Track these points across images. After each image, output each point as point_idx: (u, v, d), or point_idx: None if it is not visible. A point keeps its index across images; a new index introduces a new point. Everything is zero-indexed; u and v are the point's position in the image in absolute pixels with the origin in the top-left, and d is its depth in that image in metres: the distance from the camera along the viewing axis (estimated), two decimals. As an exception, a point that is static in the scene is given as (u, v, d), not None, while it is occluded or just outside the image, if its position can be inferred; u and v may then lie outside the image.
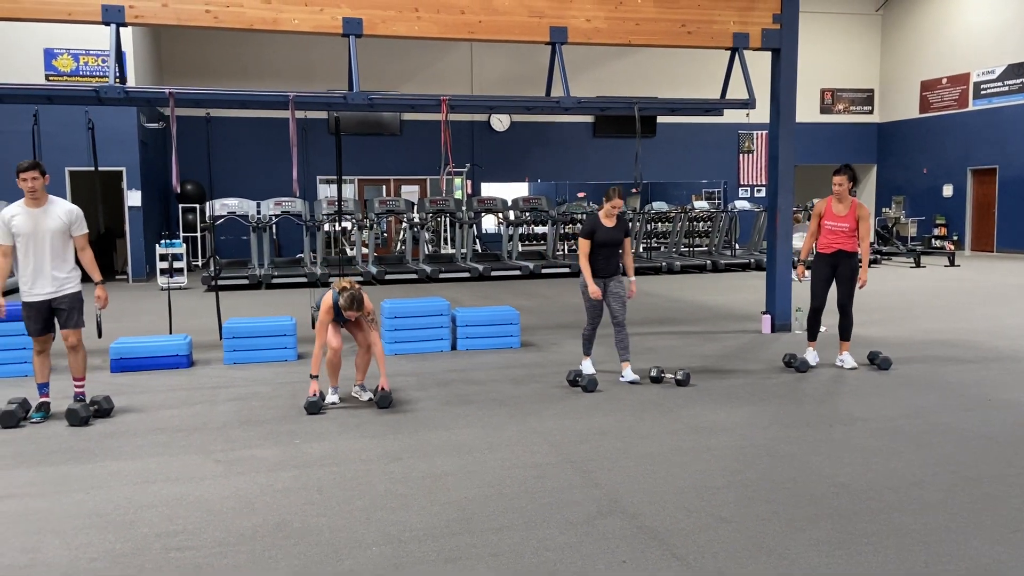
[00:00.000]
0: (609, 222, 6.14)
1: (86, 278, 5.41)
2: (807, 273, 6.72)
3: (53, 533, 3.47)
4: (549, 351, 7.55)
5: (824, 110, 21.73)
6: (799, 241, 14.90)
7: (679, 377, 6.10)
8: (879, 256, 17.17)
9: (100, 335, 6.83)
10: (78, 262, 5.36)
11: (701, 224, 18.41)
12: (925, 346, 7.57)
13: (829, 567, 3.08)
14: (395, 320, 7.54)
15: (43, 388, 5.38)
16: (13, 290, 12.55)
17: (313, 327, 6.35)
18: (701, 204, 18.39)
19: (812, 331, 6.82)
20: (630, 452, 4.50)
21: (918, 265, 15.76)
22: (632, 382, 6.13)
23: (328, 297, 5.48)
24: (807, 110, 21.04)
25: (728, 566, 3.10)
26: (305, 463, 4.34)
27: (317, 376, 5.52)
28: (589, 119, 19.67)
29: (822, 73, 21.20)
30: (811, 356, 6.70)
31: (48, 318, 5.24)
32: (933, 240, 19.14)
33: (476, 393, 5.94)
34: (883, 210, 20.80)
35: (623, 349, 6.23)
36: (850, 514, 3.59)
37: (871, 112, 22.13)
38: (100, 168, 8.09)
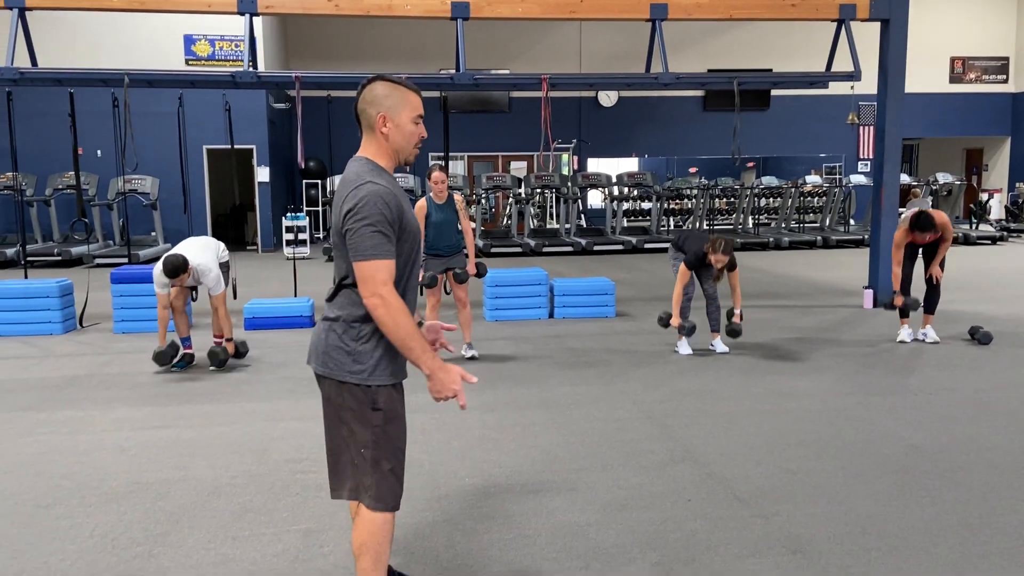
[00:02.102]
0: (718, 265, 6.07)
1: (230, 247, 6.08)
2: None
3: (200, 456, 4.11)
4: (643, 321, 7.82)
5: (954, 79, 20.60)
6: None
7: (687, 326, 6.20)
8: (1006, 233, 16.31)
9: (235, 296, 7.62)
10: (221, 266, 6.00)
11: (815, 200, 17.95)
12: (1035, 323, 7.36)
13: (884, 514, 3.29)
14: (496, 288, 7.99)
15: (186, 341, 6.14)
16: (154, 258, 13.79)
17: (421, 293, 6.89)
18: (814, 179, 17.92)
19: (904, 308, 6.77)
20: (708, 411, 4.77)
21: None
22: (723, 352, 6.33)
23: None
24: (935, 80, 20.03)
25: (786, 508, 3.36)
26: (410, 409, 4.83)
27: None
28: (699, 93, 19.47)
29: (951, 40, 20.09)
30: (905, 333, 6.68)
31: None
32: (1070, 217, 17.93)
33: (568, 356, 6.32)
34: (1017, 185, 19.60)
35: (713, 321, 6.42)
36: (915, 471, 3.76)
37: (1006, 81, 20.80)
38: (233, 146, 8.90)
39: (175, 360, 5.99)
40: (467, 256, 6.19)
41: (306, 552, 3.04)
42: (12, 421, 4.72)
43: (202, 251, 5.84)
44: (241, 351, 6.10)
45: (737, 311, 6.18)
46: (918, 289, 6.64)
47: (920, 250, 6.56)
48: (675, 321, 6.17)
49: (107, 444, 4.29)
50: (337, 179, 14.31)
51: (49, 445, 4.28)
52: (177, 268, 5.54)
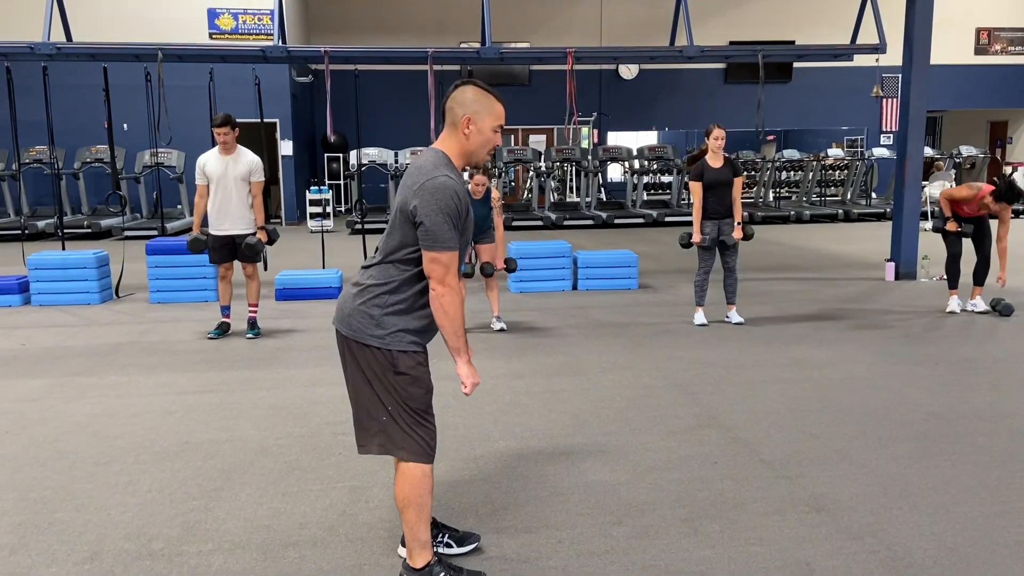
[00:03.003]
0: (716, 162, 6.23)
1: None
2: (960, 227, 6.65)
3: (245, 419, 4.29)
4: (665, 293, 7.93)
5: (979, 51, 20.31)
6: (937, 189, 14.35)
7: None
8: (1031, 207, 16.19)
9: (266, 268, 7.79)
10: None
11: (837, 173, 17.87)
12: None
13: (905, 476, 3.42)
14: (521, 261, 8.10)
15: (225, 310, 6.33)
16: (187, 229, 13.97)
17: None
18: (835, 152, 17.83)
19: (954, 279, 6.82)
20: (732, 379, 4.90)
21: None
22: (738, 324, 6.44)
23: None
24: (960, 51, 19.76)
25: (809, 470, 3.50)
26: (442, 376, 4.97)
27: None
28: (720, 65, 19.34)
29: (977, 11, 19.79)
30: (954, 303, 6.75)
31: (230, 250, 6.13)
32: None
33: (593, 326, 6.46)
34: (1041, 158, 19.40)
35: (731, 293, 6.52)
36: (936, 436, 3.88)
37: (1034, 52, 20.49)
38: (263, 120, 9.03)
39: (214, 329, 6.21)
40: (491, 240, 6.26)
41: (352, 507, 3.21)
42: (64, 385, 4.93)
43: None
44: (272, 237, 6.25)
45: (737, 222, 6.26)
46: (967, 262, 6.72)
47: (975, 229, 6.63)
48: (696, 237, 6.28)
49: (155, 407, 4.49)
50: (364, 151, 14.45)
51: (100, 408, 4.48)
52: (227, 118, 5.86)
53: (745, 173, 17.08)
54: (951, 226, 6.61)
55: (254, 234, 6.08)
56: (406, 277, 2.41)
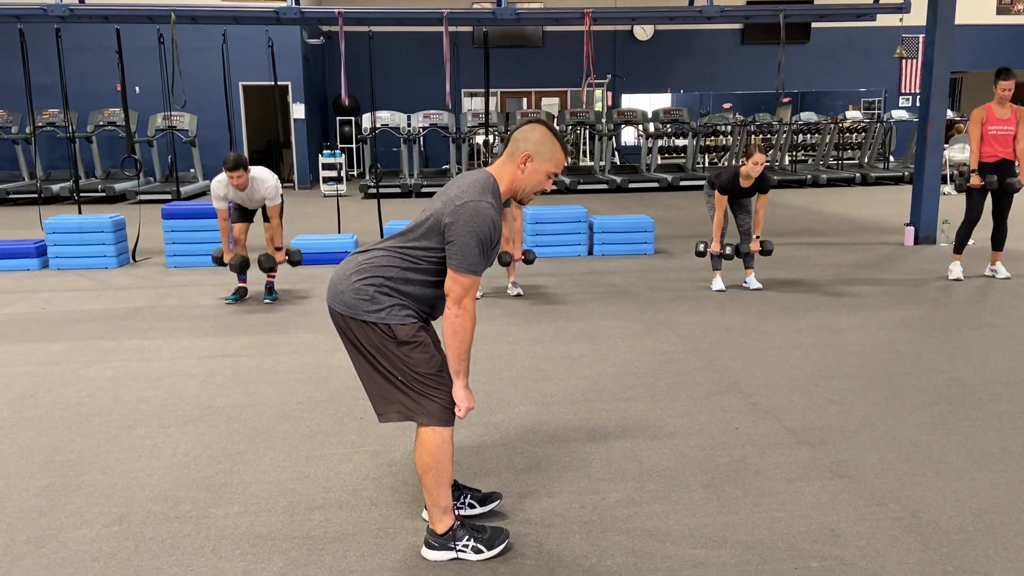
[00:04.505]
0: (747, 183, 6.06)
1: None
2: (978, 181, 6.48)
3: (266, 384, 4.32)
4: (681, 258, 7.88)
5: (1001, 10, 19.85)
6: (959, 153, 14.13)
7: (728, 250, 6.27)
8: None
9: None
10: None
11: (854, 136, 17.62)
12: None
13: (928, 442, 3.41)
14: (536, 225, 8.07)
15: (241, 276, 6.34)
16: (200, 193, 13.98)
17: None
18: (854, 114, 17.55)
19: (961, 244, 6.75)
20: (752, 345, 4.88)
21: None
22: (756, 289, 6.40)
23: None
24: (982, 10, 19.33)
25: (831, 436, 3.49)
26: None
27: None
28: (737, 26, 19.00)
29: (1002, -32, 19.31)
30: (957, 269, 6.69)
31: (250, 212, 6.12)
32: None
33: (610, 292, 6.43)
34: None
35: (748, 257, 6.47)
36: (958, 402, 3.86)
37: (1059, 11, 20.00)
38: (276, 82, 8.95)
39: (232, 294, 6.23)
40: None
41: (375, 471, 3.23)
42: (85, 349, 4.97)
43: (259, 168, 5.99)
44: (295, 259, 6.24)
45: (756, 236, 6.24)
46: (984, 227, 6.63)
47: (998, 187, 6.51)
48: (715, 247, 6.23)
49: (176, 371, 4.52)
50: (377, 114, 14.33)
51: (123, 371, 4.52)
52: (239, 160, 5.66)
53: (762, 137, 16.93)
54: (975, 180, 6.42)
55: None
56: (412, 276, 2.40)
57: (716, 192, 6.14)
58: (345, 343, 2.50)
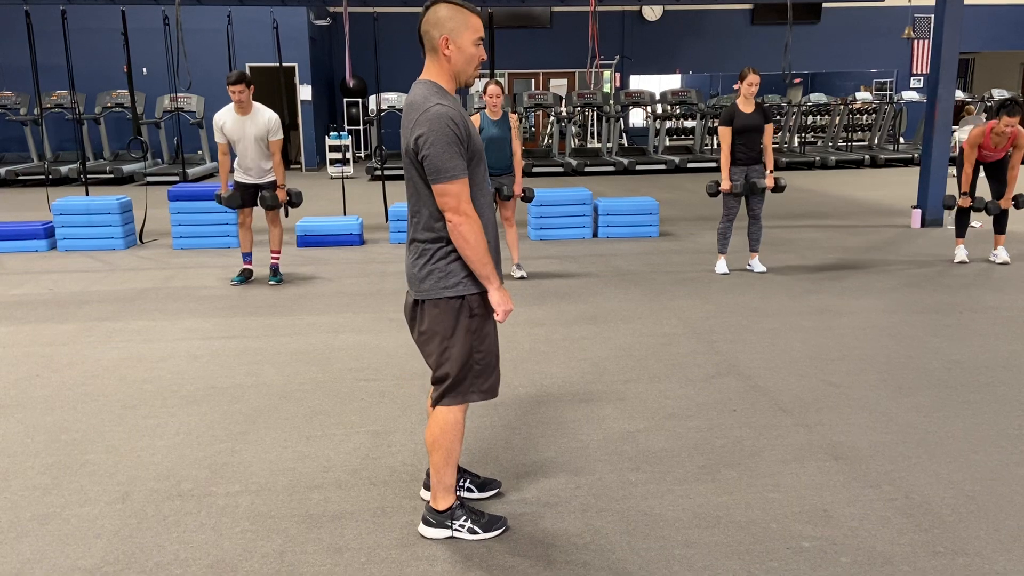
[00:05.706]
0: (747, 107, 6.11)
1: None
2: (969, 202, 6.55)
3: (269, 364, 4.36)
4: (686, 240, 7.87)
5: (1016, -11, 19.59)
6: (967, 134, 14.00)
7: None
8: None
9: (287, 215, 7.81)
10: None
11: (864, 117, 17.48)
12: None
13: (925, 424, 3.42)
14: (541, 208, 8.07)
15: (247, 257, 6.38)
16: (208, 175, 14.03)
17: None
18: (864, 95, 17.40)
19: (961, 227, 6.74)
20: (752, 328, 4.89)
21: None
22: (760, 272, 6.39)
23: None
24: (995, -10, 19.10)
25: (828, 418, 3.51)
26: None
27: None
28: (747, 6, 18.81)
29: (1016, -54, 19.03)
30: (961, 252, 6.66)
31: (252, 196, 6.14)
32: None
33: (613, 274, 6.44)
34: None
35: (754, 240, 6.45)
36: (957, 385, 3.86)
37: (1074, -10, 19.72)
38: (282, 64, 8.94)
39: (237, 276, 6.27)
40: (514, 178, 6.23)
41: (375, 451, 3.27)
42: (91, 330, 5.02)
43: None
44: (295, 201, 6.26)
45: (769, 171, 6.20)
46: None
47: (984, 169, 6.53)
48: (725, 185, 6.17)
49: (180, 352, 4.57)
50: (383, 96, 14.31)
51: (127, 352, 4.57)
52: (242, 75, 5.71)
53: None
54: (963, 202, 6.53)
55: (274, 183, 6.08)
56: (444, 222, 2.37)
57: (720, 128, 6.16)
58: (417, 329, 2.51)
